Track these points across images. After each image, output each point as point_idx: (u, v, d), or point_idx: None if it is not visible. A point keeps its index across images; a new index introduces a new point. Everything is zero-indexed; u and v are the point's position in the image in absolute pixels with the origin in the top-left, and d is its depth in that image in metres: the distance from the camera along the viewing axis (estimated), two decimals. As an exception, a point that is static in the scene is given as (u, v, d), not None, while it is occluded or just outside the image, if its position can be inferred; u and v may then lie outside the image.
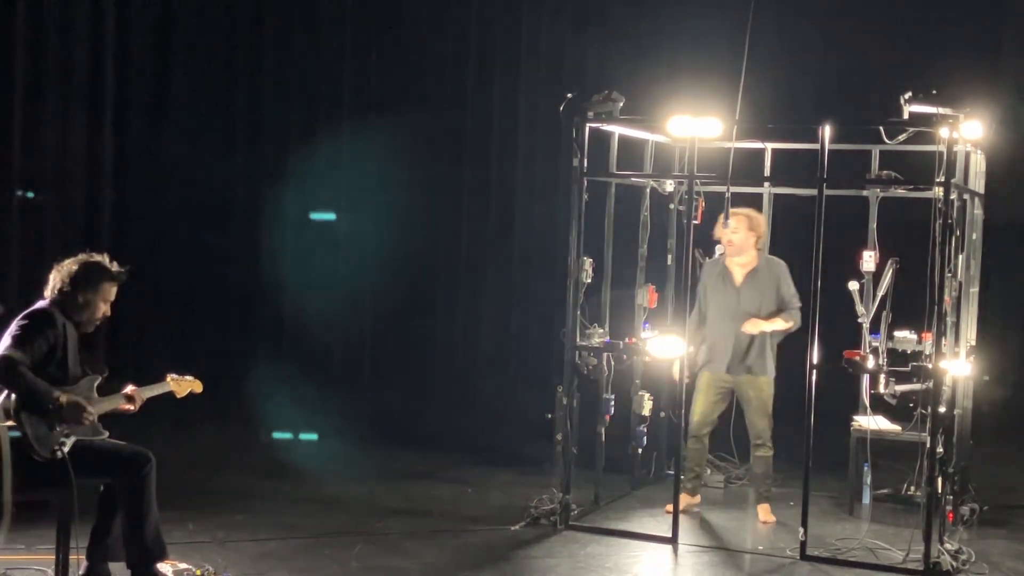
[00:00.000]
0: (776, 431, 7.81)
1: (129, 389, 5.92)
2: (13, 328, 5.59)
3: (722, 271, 7.98)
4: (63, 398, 5.53)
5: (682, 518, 7.39)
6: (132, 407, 5.92)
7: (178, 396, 6.27)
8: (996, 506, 8.23)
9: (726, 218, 7.73)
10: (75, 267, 5.80)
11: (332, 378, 12.61)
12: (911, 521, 7.31)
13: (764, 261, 7.99)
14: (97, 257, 5.87)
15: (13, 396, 5.46)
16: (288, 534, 7.16)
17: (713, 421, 8.01)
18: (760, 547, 7.32)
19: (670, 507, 7.59)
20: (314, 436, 10.10)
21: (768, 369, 7.91)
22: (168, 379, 6.22)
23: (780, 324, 7.85)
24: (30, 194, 10.88)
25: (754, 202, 8.75)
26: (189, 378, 6.29)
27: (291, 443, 10.12)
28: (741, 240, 7.85)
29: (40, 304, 5.77)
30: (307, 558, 6.72)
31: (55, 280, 5.80)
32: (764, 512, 7.93)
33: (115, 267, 5.88)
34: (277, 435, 10.17)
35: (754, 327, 7.80)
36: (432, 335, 13.45)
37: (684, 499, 7.77)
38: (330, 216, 12.99)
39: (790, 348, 8.04)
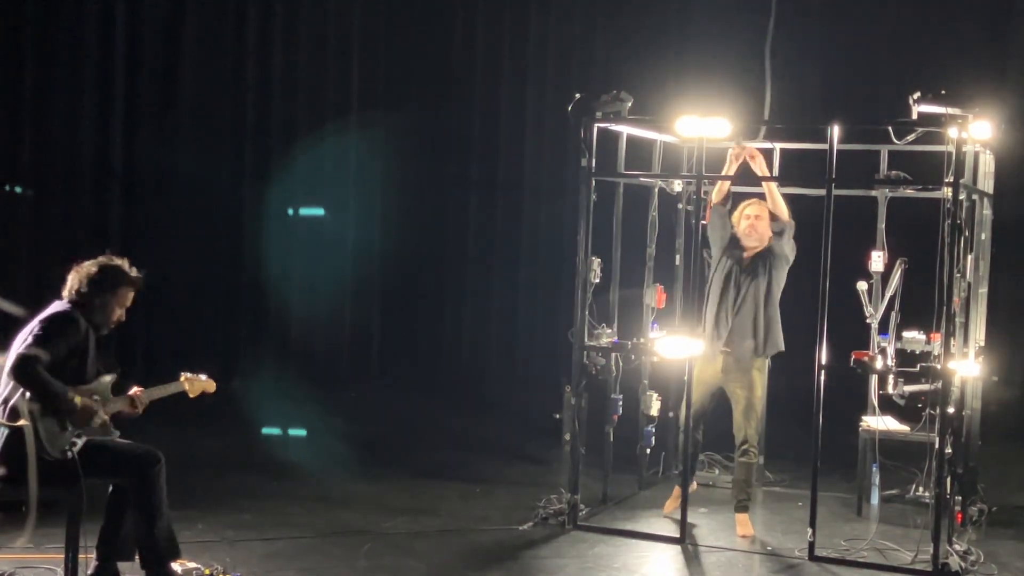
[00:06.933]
0: (784, 432, 7.75)
1: (134, 391, 5.90)
2: (35, 327, 5.57)
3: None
4: (77, 400, 5.54)
5: (690, 518, 7.38)
6: (135, 410, 5.88)
7: (191, 396, 6.25)
8: (1005, 507, 8.22)
9: (731, 216, 7.75)
10: (94, 269, 5.77)
11: (340, 377, 12.63)
12: (920, 522, 7.31)
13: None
14: (117, 260, 5.85)
15: (28, 395, 5.47)
16: (296, 533, 7.17)
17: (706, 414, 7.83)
18: (769, 547, 7.31)
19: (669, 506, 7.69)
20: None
21: (777, 343, 7.69)
22: (182, 378, 6.20)
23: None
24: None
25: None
26: (203, 377, 6.26)
27: (296, 442, 10.13)
28: (764, 228, 7.67)
29: (62, 306, 5.74)
30: (315, 557, 6.73)
31: (73, 281, 5.76)
32: (743, 524, 7.61)
33: (134, 272, 5.87)
34: (274, 433, 10.17)
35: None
36: (440, 334, 13.46)
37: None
38: (339, 215, 13.02)
39: (799, 348, 8.01)
